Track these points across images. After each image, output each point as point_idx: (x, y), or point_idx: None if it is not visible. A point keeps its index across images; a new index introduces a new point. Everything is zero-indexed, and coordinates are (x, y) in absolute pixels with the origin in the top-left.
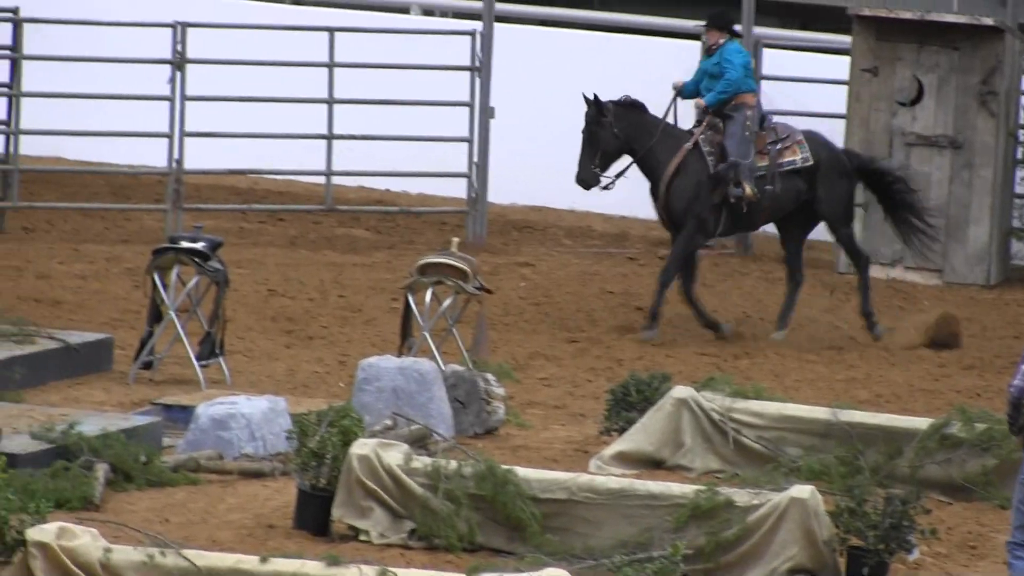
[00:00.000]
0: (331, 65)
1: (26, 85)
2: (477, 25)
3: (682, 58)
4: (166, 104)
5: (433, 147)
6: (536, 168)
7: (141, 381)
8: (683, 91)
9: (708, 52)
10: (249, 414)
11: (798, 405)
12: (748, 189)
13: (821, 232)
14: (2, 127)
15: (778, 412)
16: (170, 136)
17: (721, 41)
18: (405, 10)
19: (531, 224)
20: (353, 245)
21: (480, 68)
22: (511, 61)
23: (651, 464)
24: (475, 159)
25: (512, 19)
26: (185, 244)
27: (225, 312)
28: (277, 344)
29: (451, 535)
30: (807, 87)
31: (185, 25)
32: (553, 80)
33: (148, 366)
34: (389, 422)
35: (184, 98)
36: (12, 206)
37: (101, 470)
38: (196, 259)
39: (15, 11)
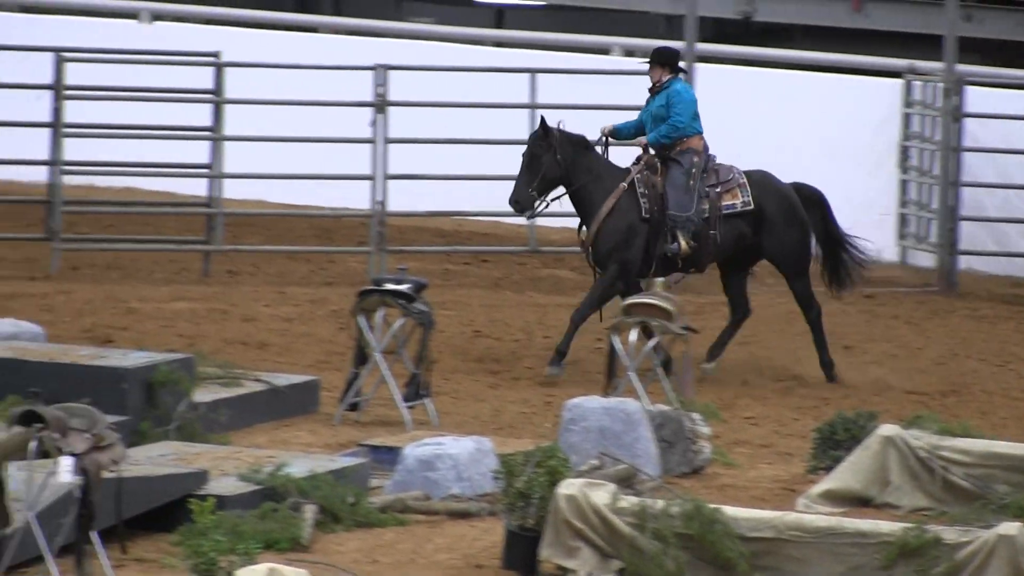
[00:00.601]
0: (533, 106)
1: (228, 129)
2: None
3: (883, 95)
4: (368, 147)
5: None
6: None
7: (347, 423)
8: (617, 133)
9: (652, 91)
10: (456, 455)
11: (1006, 442)
12: (683, 244)
13: None
14: (205, 171)
15: (986, 449)
16: (372, 179)
17: (665, 79)
18: (606, 51)
19: None
20: (557, 286)
21: None
22: (711, 100)
23: (858, 502)
24: None
25: (713, 59)
26: (390, 286)
27: (431, 354)
28: (482, 385)
29: (659, 574)
30: (1012, 124)
31: (386, 68)
32: (754, 119)
33: (354, 408)
34: (595, 462)
35: (386, 140)
36: (217, 249)
37: (309, 511)
38: (401, 301)
39: (216, 55)
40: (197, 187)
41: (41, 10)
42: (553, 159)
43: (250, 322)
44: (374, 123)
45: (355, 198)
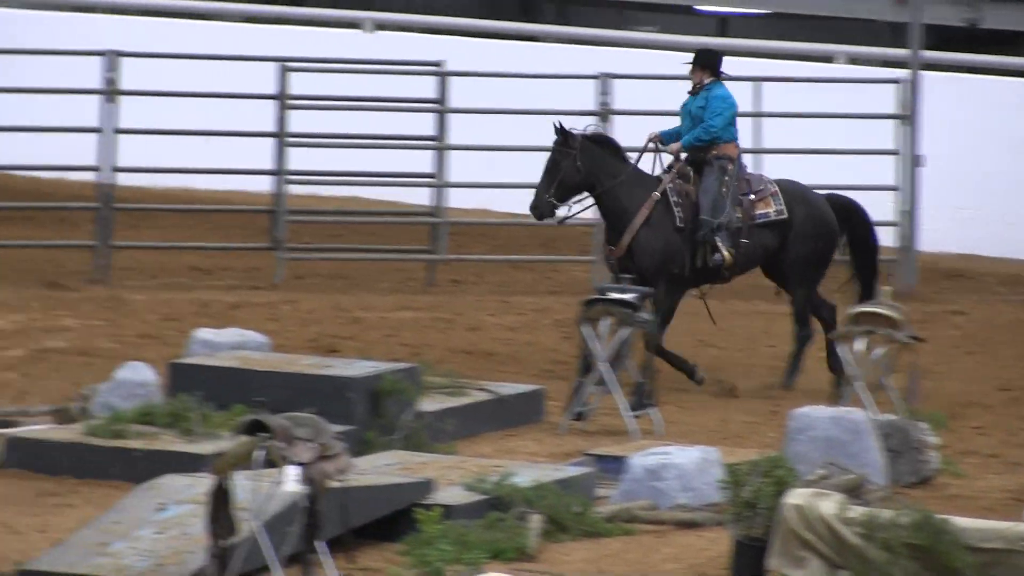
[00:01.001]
0: (757, 115)
1: (451, 138)
2: (901, 73)
3: None
4: None
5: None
6: (965, 216)
7: (573, 432)
8: (664, 139)
9: (692, 92)
10: (682, 464)
11: None
12: (726, 254)
13: None
14: (429, 180)
15: None
16: None
17: (706, 81)
18: (829, 59)
19: (961, 272)
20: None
21: (908, 116)
22: (934, 108)
23: None
24: (904, 207)
25: (938, 67)
26: (614, 295)
27: (655, 363)
28: (708, 395)
29: None
30: None
31: (610, 77)
32: (980, 127)
33: (579, 417)
34: (823, 471)
35: None
36: (441, 258)
37: (535, 521)
38: (625, 309)
39: (440, 64)
40: (421, 196)
41: (265, 21)
42: (572, 164)
43: (474, 331)
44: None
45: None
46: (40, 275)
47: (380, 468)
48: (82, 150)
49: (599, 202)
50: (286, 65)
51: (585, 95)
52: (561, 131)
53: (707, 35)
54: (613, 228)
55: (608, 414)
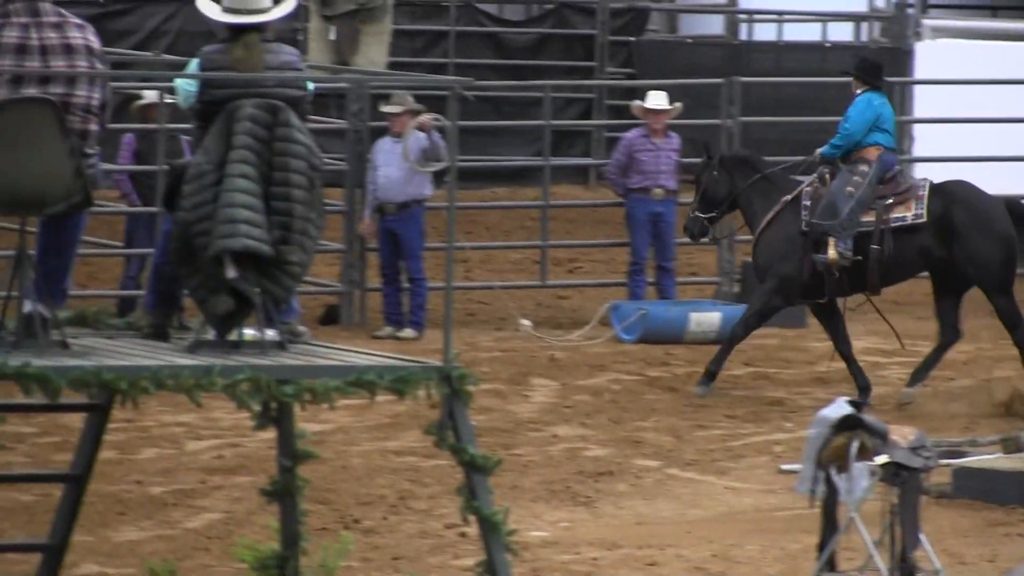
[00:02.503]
0: None
1: None
2: None
3: None
4: None
5: None
6: None
7: None
8: (825, 156)
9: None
10: None
11: None
12: (832, 253)
13: None
14: None
15: None
16: None
17: (859, 91)
18: None
19: None
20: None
21: None
22: None
23: None
24: None
25: None
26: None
27: None
28: None
29: None
30: None
31: None
32: None
33: None
34: None
35: None
36: None
37: None
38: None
39: None
40: None
41: None
42: (711, 176)
43: None
44: None
45: None
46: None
47: None
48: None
49: (740, 208)
50: None
51: None
52: (705, 149)
53: None
54: (751, 232)
55: None
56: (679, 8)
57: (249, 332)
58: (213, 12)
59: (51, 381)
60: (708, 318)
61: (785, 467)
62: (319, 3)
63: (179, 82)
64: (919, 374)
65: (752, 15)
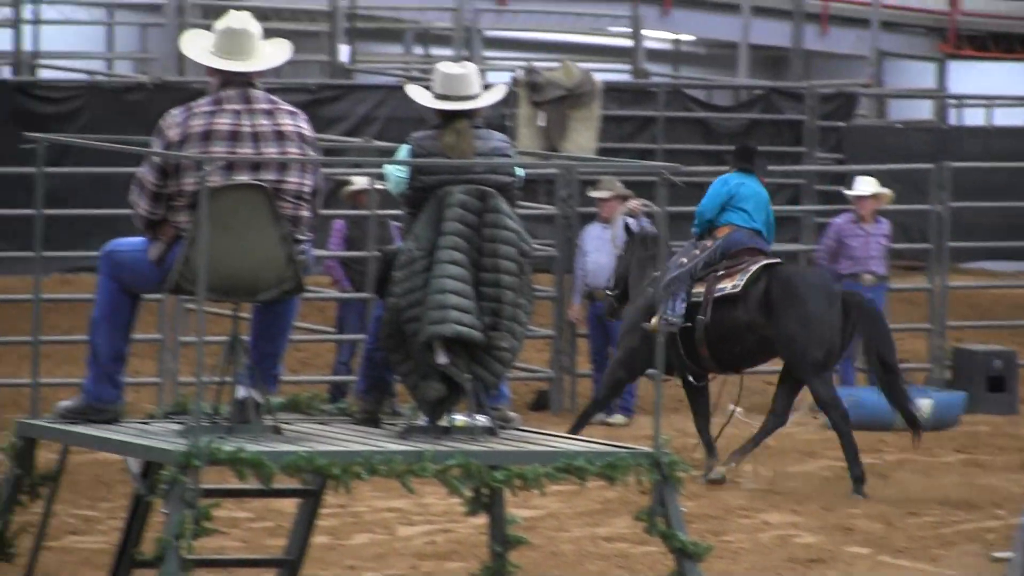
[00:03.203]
0: None
1: None
2: None
3: None
4: None
5: None
6: None
7: None
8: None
9: None
10: None
11: None
12: (653, 321)
13: None
14: None
15: None
16: None
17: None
18: None
19: None
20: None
21: None
22: None
23: None
24: None
25: None
26: None
27: None
28: None
29: None
30: None
31: None
32: None
33: None
34: None
35: None
36: None
37: None
38: None
39: None
40: None
41: None
42: (619, 256)
43: None
44: None
45: None
46: None
47: None
48: None
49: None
50: None
51: None
52: (625, 227)
53: None
54: None
55: None
56: (888, 93)
57: (460, 418)
58: (424, 98)
59: (265, 466)
60: (919, 405)
61: (998, 555)
62: (528, 89)
63: (389, 168)
64: (736, 455)
65: (961, 99)
